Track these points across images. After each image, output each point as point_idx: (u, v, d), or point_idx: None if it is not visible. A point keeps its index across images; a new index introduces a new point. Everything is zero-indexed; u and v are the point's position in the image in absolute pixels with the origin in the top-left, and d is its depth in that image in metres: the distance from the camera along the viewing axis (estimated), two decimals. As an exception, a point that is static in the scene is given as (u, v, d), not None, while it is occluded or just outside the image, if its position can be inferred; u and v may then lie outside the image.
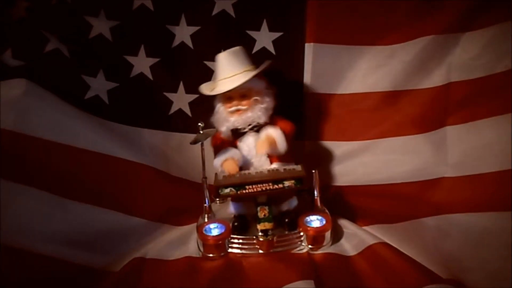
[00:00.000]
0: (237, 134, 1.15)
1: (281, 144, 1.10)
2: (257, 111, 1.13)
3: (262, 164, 1.14)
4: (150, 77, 1.29)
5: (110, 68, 1.26)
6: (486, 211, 0.93)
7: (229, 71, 1.12)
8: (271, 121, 1.15)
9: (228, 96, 1.13)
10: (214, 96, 1.15)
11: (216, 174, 1.11)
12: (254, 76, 1.11)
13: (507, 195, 0.92)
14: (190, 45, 1.28)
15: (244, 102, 1.12)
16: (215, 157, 1.14)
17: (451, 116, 1.10)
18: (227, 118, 1.13)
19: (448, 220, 0.98)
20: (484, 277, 0.90)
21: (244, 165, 1.14)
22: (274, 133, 1.11)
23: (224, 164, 1.10)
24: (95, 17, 1.23)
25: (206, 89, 1.16)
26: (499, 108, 1.02)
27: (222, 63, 1.13)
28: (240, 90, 1.11)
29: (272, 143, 1.10)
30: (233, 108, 1.13)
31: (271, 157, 1.13)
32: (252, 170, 1.11)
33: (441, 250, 0.99)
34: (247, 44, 1.25)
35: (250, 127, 1.13)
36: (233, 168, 1.09)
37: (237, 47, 1.14)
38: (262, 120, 1.13)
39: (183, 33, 1.27)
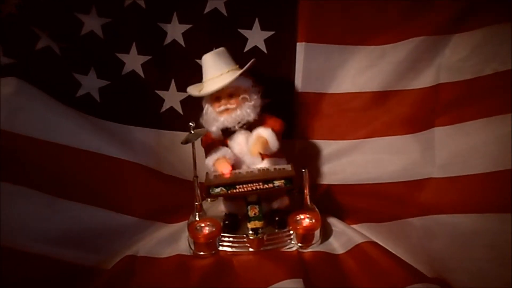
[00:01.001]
0: (227, 133, 1.15)
1: (273, 143, 1.11)
2: (245, 109, 1.14)
3: (254, 161, 1.15)
4: (142, 75, 1.28)
5: (101, 65, 1.25)
6: (472, 212, 0.94)
7: (215, 71, 1.13)
8: (260, 118, 1.16)
9: (216, 96, 1.13)
10: (202, 97, 1.16)
11: (207, 173, 1.12)
12: (241, 75, 1.11)
13: (493, 196, 0.93)
14: (182, 43, 1.27)
15: (232, 101, 1.13)
16: (206, 157, 1.15)
17: (439, 117, 1.11)
18: (216, 118, 1.14)
19: (434, 221, 1.00)
20: (469, 277, 0.91)
21: (236, 163, 1.14)
22: (264, 133, 1.11)
23: (216, 163, 1.11)
24: (86, 14, 1.22)
25: (194, 90, 1.17)
26: (487, 110, 1.03)
27: (207, 64, 1.14)
28: (227, 89, 1.12)
29: (264, 143, 1.10)
30: (222, 108, 1.13)
31: (263, 154, 1.14)
32: (242, 170, 1.12)
33: (427, 250, 1.00)
34: (238, 43, 1.25)
35: (239, 125, 1.14)
36: (226, 167, 1.10)
37: (221, 48, 1.15)
38: (251, 117, 1.14)
39: (175, 31, 1.27)
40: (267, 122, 1.15)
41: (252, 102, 1.15)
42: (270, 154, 1.14)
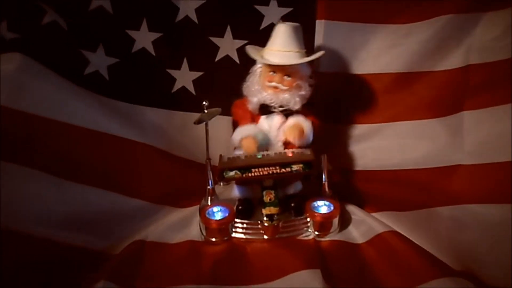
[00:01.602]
0: (263, 110, 1.11)
1: (308, 136, 1.08)
2: (295, 96, 1.09)
3: (276, 147, 1.11)
4: (153, 52, 1.25)
5: (110, 42, 1.21)
6: (504, 202, 0.91)
7: (285, 45, 1.07)
8: (302, 112, 1.11)
9: (272, 70, 1.08)
10: (248, 63, 1.13)
11: (220, 155, 1.08)
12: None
13: (528, 186, 0.89)
14: (195, 19, 1.24)
15: (286, 82, 1.08)
16: (233, 127, 1.12)
17: (469, 100, 1.07)
18: (261, 90, 1.10)
19: (464, 211, 0.96)
20: (500, 272, 0.87)
21: (260, 145, 1.09)
22: (304, 123, 1.08)
23: (243, 141, 1.07)
24: (95, -12, 1.18)
25: (254, 53, 1.11)
26: (520, 94, 0.99)
27: (280, 34, 1.08)
28: (287, 69, 1.07)
29: (301, 132, 1.06)
30: (273, 84, 1.09)
31: (287, 146, 1.11)
32: (258, 153, 1.07)
33: (455, 241, 0.97)
34: (254, 20, 1.22)
35: (281, 109, 1.10)
36: (252, 148, 1.06)
37: (297, 24, 1.09)
38: (296, 107, 1.09)
39: (188, 6, 1.23)
40: (308, 116, 1.11)
41: (303, 92, 1.10)
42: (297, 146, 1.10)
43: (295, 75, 1.08)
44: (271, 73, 1.08)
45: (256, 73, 1.11)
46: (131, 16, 1.22)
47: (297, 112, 1.09)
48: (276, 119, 1.10)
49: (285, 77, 1.08)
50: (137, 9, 1.22)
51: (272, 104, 1.09)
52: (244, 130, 1.08)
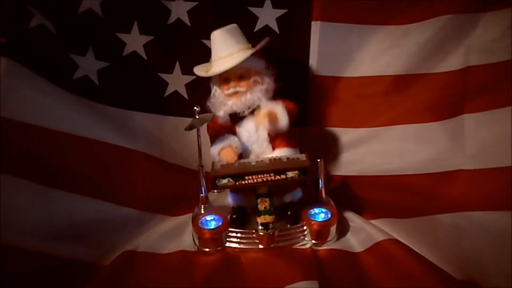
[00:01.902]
0: (235, 118, 1.10)
1: (283, 120, 1.05)
2: (256, 93, 1.08)
3: (263, 150, 1.10)
4: (144, 56, 1.23)
5: (100, 46, 1.20)
6: (507, 209, 0.89)
7: (225, 49, 1.06)
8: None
9: (225, 78, 1.08)
10: (210, 78, 1.11)
11: (213, 162, 1.07)
12: (253, 55, 1.05)
13: (532, 191, 0.88)
14: (187, 22, 1.22)
15: (242, 84, 1.07)
16: (211, 145, 1.09)
17: (469, 103, 1.05)
18: (224, 101, 1.09)
19: (465, 218, 0.94)
20: (504, 281, 0.85)
21: (244, 152, 1.09)
22: (275, 107, 1.05)
23: (221, 152, 1.06)
24: (84, -10, 1.17)
25: (201, 70, 1.11)
26: (523, 95, 0.97)
27: (216, 42, 1.07)
28: (237, 70, 1.06)
29: (273, 117, 1.04)
30: (231, 91, 1.07)
31: (274, 143, 1.10)
32: (252, 159, 1.06)
33: (457, 250, 0.95)
34: (248, 22, 1.20)
35: (249, 110, 1.09)
36: (232, 157, 1.05)
37: (232, 25, 1.09)
38: (262, 103, 1.08)
39: (180, 9, 1.21)
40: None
41: (264, 86, 1.08)
42: (282, 142, 1.09)
43: (247, 73, 1.07)
44: (225, 82, 1.08)
45: (215, 88, 1.10)
46: (121, 18, 1.20)
47: None
48: (250, 123, 1.09)
49: (239, 79, 1.07)
50: (128, 11, 1.20)
51: (239, 110, 1.08)
52: (219, 143, 1.07)
